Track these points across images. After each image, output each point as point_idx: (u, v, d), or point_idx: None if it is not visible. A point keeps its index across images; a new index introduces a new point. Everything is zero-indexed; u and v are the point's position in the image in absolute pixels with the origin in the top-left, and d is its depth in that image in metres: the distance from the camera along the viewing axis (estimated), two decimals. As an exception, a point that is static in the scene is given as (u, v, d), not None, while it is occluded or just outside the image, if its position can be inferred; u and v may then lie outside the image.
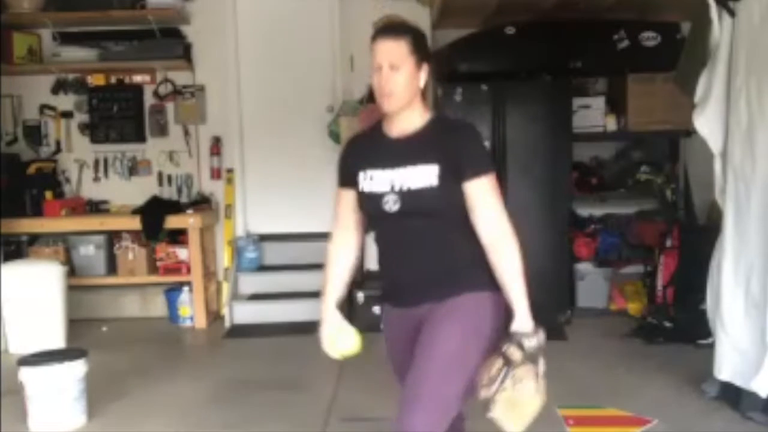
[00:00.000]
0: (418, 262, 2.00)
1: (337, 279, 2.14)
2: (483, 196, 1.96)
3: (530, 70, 5.00)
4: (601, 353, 4.32)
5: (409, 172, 1.93)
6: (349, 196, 2.09)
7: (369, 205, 2.02)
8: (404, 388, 1.93)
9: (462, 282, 1.98)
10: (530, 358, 1.86)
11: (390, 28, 2.03)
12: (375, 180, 1.98)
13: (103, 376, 3.82)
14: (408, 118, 2.00)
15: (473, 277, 1.98)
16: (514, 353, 1.85)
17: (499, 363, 1.86)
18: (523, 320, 1.90)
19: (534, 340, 1.88)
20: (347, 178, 2.09)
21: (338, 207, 2.14)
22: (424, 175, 1.92)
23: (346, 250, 2.14)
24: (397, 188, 1.94)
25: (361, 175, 2.02)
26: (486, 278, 1.96)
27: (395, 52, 1.94)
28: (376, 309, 4.80)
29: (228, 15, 5.57)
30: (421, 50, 1.98)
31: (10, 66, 5.32)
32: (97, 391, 3.56)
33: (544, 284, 4.92)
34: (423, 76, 1.99)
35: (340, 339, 2.07)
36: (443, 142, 1.96)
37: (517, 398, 1.84)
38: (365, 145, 2.12)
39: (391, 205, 1.95)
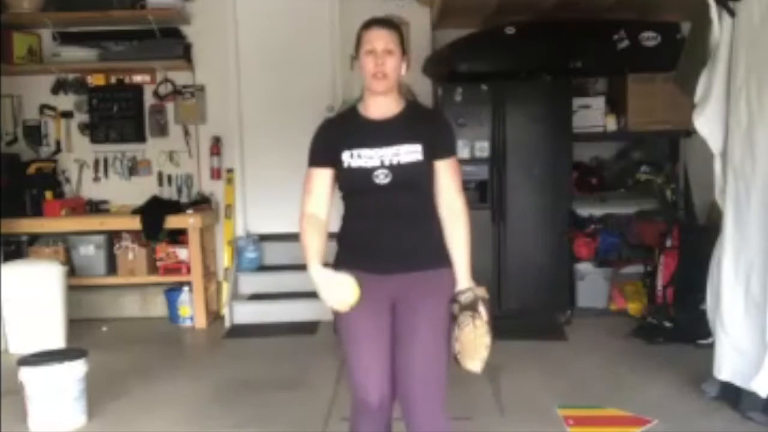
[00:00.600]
0: (398, 231, 2.21)
1: (317, 247, 2.18)
2: (450, 174, 2.24)
3: (530, 70, 5.00)
4: (601, 353, 4.32)
5: (397, 150, 2.17)
6: (324, 175, 2.24)
7: (357, 179, 2.19)
8: (410, 374, 2.14)
9: (434, 255, 2.22)
10: (468, 307, 2.13)
11: (382, 19, 2.28)
12: (363, 157, 2.17)
13: (103, 376, 3.82)
14: (388, 102, 2.24)
15: (441, 252, 2.23)
16: (454, 308, 2.16)
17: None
18: (462, 281, 2.19)
19: (469, 294, 2.16)
20: (325, 158, 2.24)
21: (312, 185, 2.26)
22: (411, 152, 2.18)
23: (321, 223, 2.24)
24: (387, 163, 2.16)
25: (346, 154, 2.19)
26: (448, 254, 2.23)
27: (390, 38, 2.19)
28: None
29: (228, 15, 5.58)
30: (404, 44, 2.25)
31: (10, 66, 5.32)
32: (97, 391, 3.56)
33: (544, 284, 4.95)
34: (404, 67, 2.24)
35: (343, 291, 2.08)
36: (422, 126, 2.24)
37: (463, 341, 2.10)
38: (343, 128, 2.29)
39: (382, 178, 2.16)
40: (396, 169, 2.15)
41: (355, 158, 2.18)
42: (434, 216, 2.24)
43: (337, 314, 2.19)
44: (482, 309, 2.12)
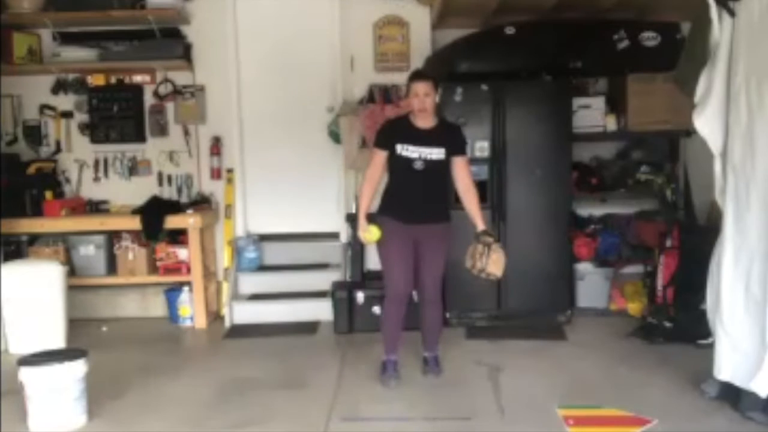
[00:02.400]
0: (425, 196, 3.76)
1: (369, 204, 3.77)
2: (463, 165, 3.83)
3: (530, 70, 4.99)
4: (601, 353, 4.32)
5: (430, 150, 3.70)
6: (384, 154, 3.75)
7: (403, 163, 3.70)
8: (424, 278, 3.82)
9: (445, 213, 3.84)
10: (497, 240, 3.76)
11: (422, 74, 3.84)
12: (410, 150, 3.69)
13: (103, 376, 3.82)
14: (428, 119, 3.78)
15: (446, 212, 3.84)
16: (488, 239, 3.67)
17: (480, 248, 3.66)
18: (481, 225, 3.75)
19: (490, 232, 3.76)
20: (387, 144, 3.74)
21: (376, 159, 3.78)
22: (438, 153, 3.72)
23: (375, 185, 3.80)
24: (423, 157, 3.69)
25: (399, 146, 3.70)
26: (449, 214, 3.86)
27: (428, 87, 3.70)
28: (376, 309, 4.81)
29: (228, 15, 5.57)
30: (436, 86, 3.74)
31: (10, 66, 5.32)
32: (97, 391, 3.57)
33: (544, 284, 4.95)
34: (437, 97, 3.77)
35: (371, 233, 3.71)
36: (446, 134, 3.80)
37: (499, 257, 3.65)
38: (400, 128, 3.78)
39: (419, 165, 3.70)
40: (428, 162, 3.69)
41: (404, 150, 3.69)
42: (445, 190, 3.81)
43: (381, 247, 3.79)
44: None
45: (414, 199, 3.73)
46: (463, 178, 3.78)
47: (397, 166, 3.73)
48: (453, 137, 3.80)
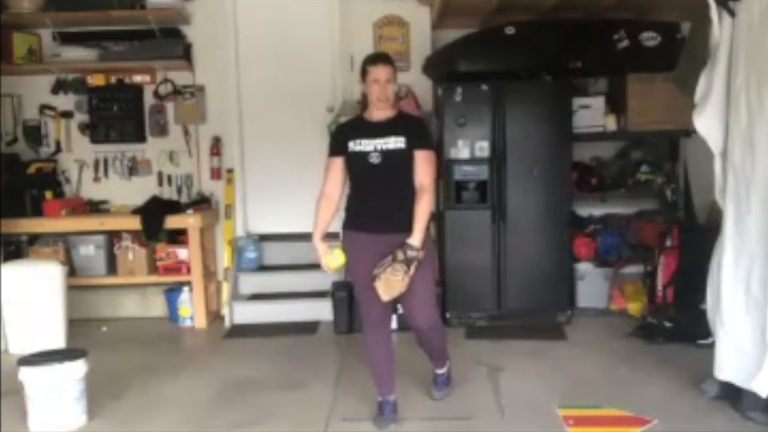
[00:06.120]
0: (390, 199, 3.15)
1: (324, 223, 3.23)
2: (422, 159, 3.16)
3: (530, 70, 4.99)
4: (601, 353, 4.32)
5: (386, 140, 3.14)
6: (339, 162, 3.22)
7: (357, 159, 3.16)
8: (408, 305, 3.20)
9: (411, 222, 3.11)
10: (405, 261, 3.00)
11: (382, 58, 3.27)
12: (363, 144, 3.15)
13: (103, 376, 3.83)
14: (386, 110, 3.22)
15: None
16: (399, 255, 3.01)
17: (389, 258, 3.02)
18: (415, 239, 3.05)
19: (413, 252, 3.02)
20: (339, 149, 3.22)
21: (330, 170, 3.23)
22: (396, 142, 3.13)
23: (333, 201, 3.24)
24: (379, 148, 3.13)
25: (351, 143, 3.16)
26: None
27: (388, 72, 3.18)
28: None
29: (228, 15, 5.57)
30: (395, 72, 3.24)
31: (10, 66, 5.33)
32: (97, 391, 3.57)
33: (544, 284, 4.95)
34: (396, 86, 3.27)
35: (331, 258, 3.14)
36: (406, 125, 3.21)
37: (389, 280, 3.00)
38: (352, 127, 3.30)
39: (375, 159, 3.13)
40: (385, 153, 3.12)
41: (357, 145, 3.15)
42: (413, 193, 3.13)
43: (349, 268, 3.28)
44: (412, 269, 3.01)
45: (377, 203, 3.16)
46: (421, 176, 3.13)
47: (354, 167, 3.18)
48: (414, 126, 3.23)
